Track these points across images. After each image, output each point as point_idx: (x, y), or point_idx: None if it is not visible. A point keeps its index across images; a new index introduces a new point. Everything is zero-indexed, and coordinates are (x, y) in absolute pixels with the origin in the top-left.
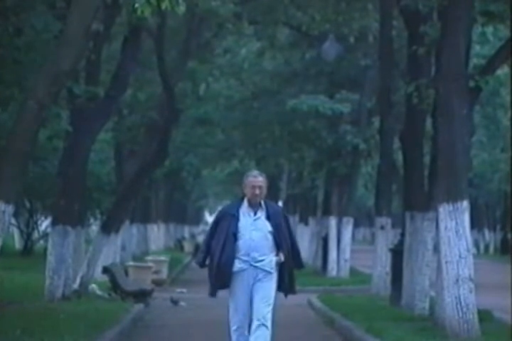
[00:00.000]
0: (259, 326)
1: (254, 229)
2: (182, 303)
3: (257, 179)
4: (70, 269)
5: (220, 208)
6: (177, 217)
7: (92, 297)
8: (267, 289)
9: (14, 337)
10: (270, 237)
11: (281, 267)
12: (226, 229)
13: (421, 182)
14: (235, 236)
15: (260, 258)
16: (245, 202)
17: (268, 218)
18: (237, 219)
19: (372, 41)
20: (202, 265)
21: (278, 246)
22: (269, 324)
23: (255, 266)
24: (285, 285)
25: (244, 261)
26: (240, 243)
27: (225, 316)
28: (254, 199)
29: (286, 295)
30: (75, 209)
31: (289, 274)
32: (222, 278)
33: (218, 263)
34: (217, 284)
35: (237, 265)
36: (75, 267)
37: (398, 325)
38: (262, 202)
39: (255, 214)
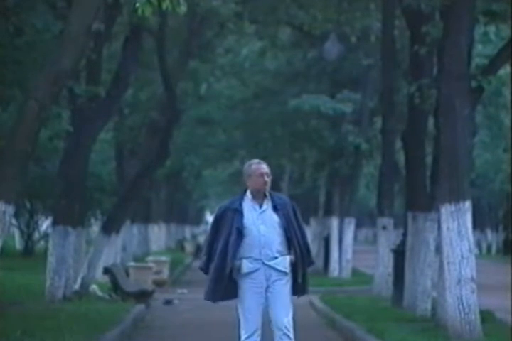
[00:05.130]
0: (281, 337)
1: (262, 223)
2: (175, 301)
3: (261, 166)
4: (70, 270)
5: (220, 205)
6: (178, 217)
7: (93, 298)
8: (284, 296)
9: (15, 337)
10: (280, 231)
11: (293, 265)
12: (229, 226)
13: (423, 182)
14: (240, 233)
15: (273, 255)
16: (248, 195)
17: (275, 209)
18: (241, 214)
19: (374, 41)
20: (206, 271)
21: (288, 241)
22: (291, 334)
23: (268, 265)
24: (298, 286)
25: (256, 260)
26: (249, 240)
27: (227, 317)
28: (262, 189)
29: (298, 296)
30: (76, 210)
31: (302, 272)
32: (223, 283)
33: (220, 266)
34: (218, 291)
35: (249, 265)
36: (75, 268)
37: (400, 325)
38: (267, 193)
39: (260, 206)
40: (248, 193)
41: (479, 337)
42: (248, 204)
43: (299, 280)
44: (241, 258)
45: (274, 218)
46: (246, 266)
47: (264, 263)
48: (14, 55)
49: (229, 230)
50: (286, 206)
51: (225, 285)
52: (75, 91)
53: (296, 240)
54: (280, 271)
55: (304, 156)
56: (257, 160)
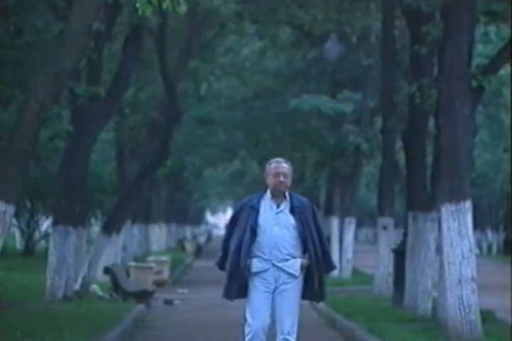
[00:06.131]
0: None
1: (276, 224)
2: (176, 301)
3: (281, 165)
4: (71, 270)
5: (239, 201)
6: (178, 217)
7: (94, 297)
8: (291, 299)
9: (15, 337)
10: (295, 233)
11: (307, 270)
12: (244, 223)
13: (423, 182)
14: (254, 232)
15: (284, 257)
16: (268, 194)
17: (292, 211)
18: (257, 212)
19: (374, 41)
20: (221, 267)
21: (304, 245)
22: (293, 339)
23: (278, 267)
24: (314, 292)
25: (266, 260)
26: (260, 239)
27: (227, 317)
28: (278, 189)
29: (317, 303)
30: (76, 210)
31: (319, 278)
32: (238, 281)
33: (234, 263)
34: (233, 289)
35: (258, 265)
36: (76, 267)
37: (400, 325)
38: (287, 194)
39: (278, 206)
40: (268, 192)
41: (480, 337)
42: (266, 203)
43: (316, 286)
44: (252, 257)
45: (290, 220)
46: (255, 265)
47: (273, 264)
48: (14, 55)
49: (244, 227)
50: (304, 209)
51: (239, 283)
52: (76, 91)
53: (312, 244)
54: (289, 273)
55: (304, 156)
56: (278, 159)
